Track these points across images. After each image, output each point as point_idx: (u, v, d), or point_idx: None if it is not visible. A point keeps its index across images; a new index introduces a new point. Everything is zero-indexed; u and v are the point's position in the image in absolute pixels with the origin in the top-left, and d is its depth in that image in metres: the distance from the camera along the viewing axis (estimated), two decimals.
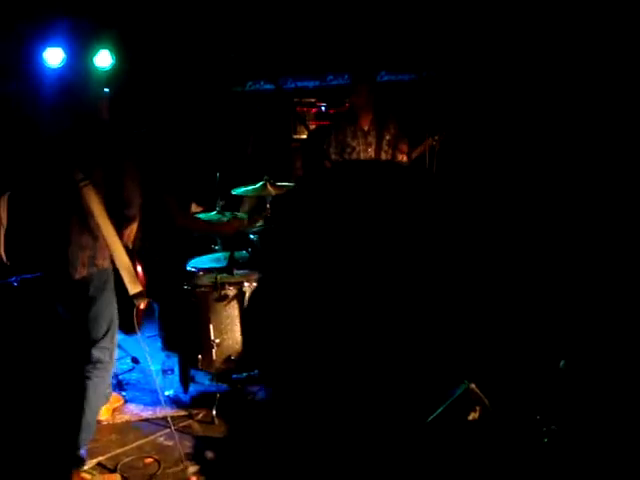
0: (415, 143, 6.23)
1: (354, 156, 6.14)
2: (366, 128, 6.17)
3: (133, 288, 4.14)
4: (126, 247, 4.21)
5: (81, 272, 4.08)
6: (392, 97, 6.86)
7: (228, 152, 7.84)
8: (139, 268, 4.26)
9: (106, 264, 4.15)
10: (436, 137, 6.01)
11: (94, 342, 4.17)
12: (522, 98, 6.51)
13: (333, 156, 6.14)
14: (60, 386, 4.75)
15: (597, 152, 5.92)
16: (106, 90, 4.50)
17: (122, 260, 4.12)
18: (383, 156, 6.13)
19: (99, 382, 4.19)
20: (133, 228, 4.33)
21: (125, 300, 4.20)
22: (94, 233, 4.09)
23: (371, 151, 6.13)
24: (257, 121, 8.34)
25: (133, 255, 4.23)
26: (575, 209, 5.87)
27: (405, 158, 6.14)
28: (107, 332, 4.20)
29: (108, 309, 4.20)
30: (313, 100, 8.25)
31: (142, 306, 4.24)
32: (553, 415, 3.77)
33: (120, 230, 4.19)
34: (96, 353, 4.17)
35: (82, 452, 4.12)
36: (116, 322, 4.25)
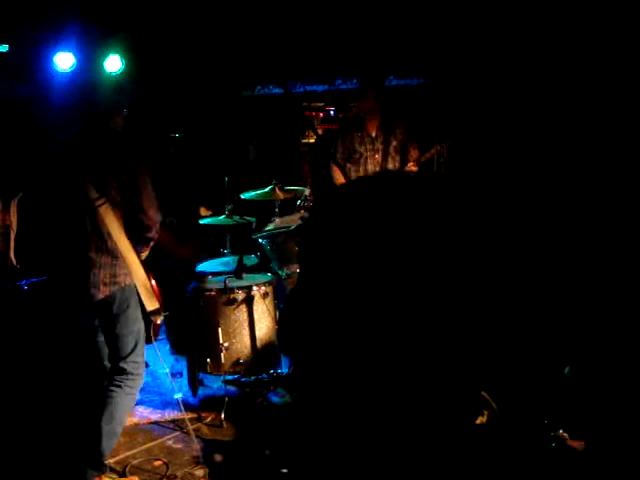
0: (423, 149, 6.22)
1: (361, 162, 6.15)
2: (373, 134, 6.16)
3: (150, 305, 4.12)
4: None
5: (104, 292, 4.00)
6: (400, 102, 6.87)
7: (235, 156, 7.86)
8: (153, 282, 4.19)
9: (128, 280, 4.06)
10: (443, 144, 6.00)
11: (124, 357, 4.13)
12: (530, 103, 6.51)
13: (340, 161, 6.16)
14: (76, 391, 4.77)
15: (607, 156, 5.92)
16: (125, 110, 4.39)
17: (139, 276, 4.08)
18: (390, 162, 6.12)
19: (129, 392, 4.17)
20: (151, 245, 4.27)
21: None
22: (113, 252, 4.01)
23: (378, 157, 6.13)
24: (260, 125, 8.35)
25: (147, 269, 4.18)
26: (581, 215, 5.87)
27: (415, 167, 6.12)
28: (135, 346, 4.15)
29: (134, 324, 4.13)
30: (321, 104, 8.28)
31: (158, 321, 4.22)
32: (559, 420, 3.78)
33: (139, 248, 4.14)
34: (126, 366, 4.14)
35: (106, 460, 4.11)
36: (143, 335, 4.18)
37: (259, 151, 8.21)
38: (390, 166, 6.11)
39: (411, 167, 6.11)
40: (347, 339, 0.99)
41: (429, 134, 6.14)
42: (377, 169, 6.09)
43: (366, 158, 6.13)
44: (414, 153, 6.15)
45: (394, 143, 6.13)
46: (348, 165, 6.15)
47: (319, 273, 1.02)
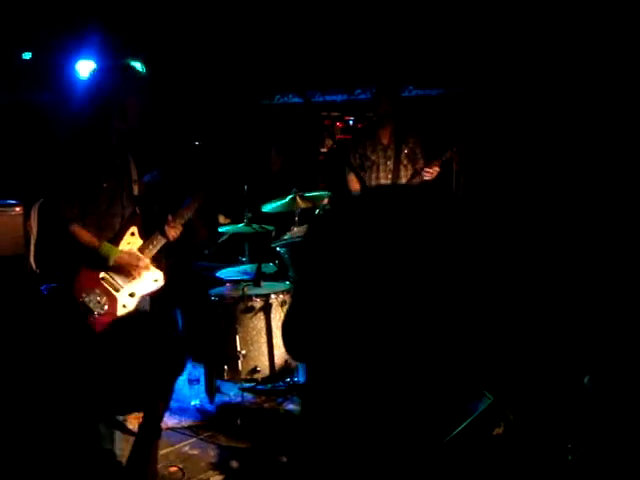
0: (432, 158, 6.20)
1: (374, 169, 6.18)
2: (385, 142, 6.21)
3: None
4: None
5: None
6: (417, 112, 6.89)
7: (255, 165, 7.88)
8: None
9: None
10: (454, 149, 5.95)
11: None
12: (550, 115, 6.50)
13: (356, 168, 6.18)
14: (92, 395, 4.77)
15: (625, 167, 5.91)
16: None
17: None
18: (402, 170, 6.14)
19: None
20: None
21: None
22: None
23: (390, 164, 6.16)
24: (279, 135, 8.36)
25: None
26: (603, 223, 5.85)
27: (417, 178, 6.10)
28: None
29: None
30: (339, 114, 8.28)
31: None
32: (577, 433, 3.76)
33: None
34: None
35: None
36: None
37: (280, 161, 8.20)
38: (402, 174, 6.14)
39: (417, 178, 6.09)
40: (354, 341, 1.00)
41: (444, 144, 6.14)
42: (389, 176, 6.14)
43: (378, 166, 6.18)
44: (420, 163, 6.15)
45: (406, 151, 6.15)
46: (362, 173, 6.18)
47: (322, 280, 1.03)
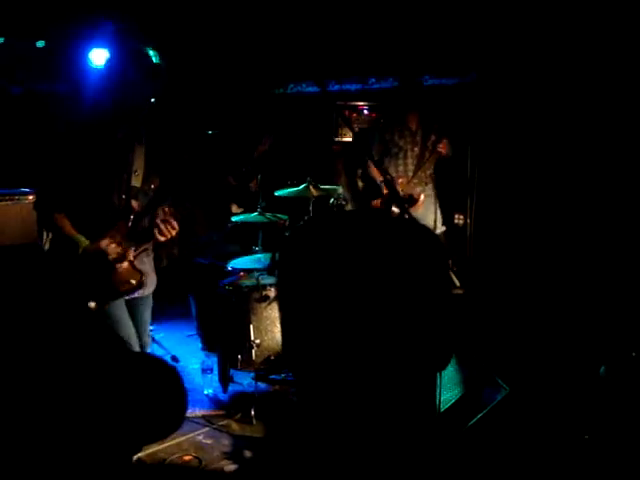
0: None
1: (400, 156, 6.19)
2: (413, 127, 6.22)
3: None
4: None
5: None
6: (433, 101, 6.86)
7: (269, 154, 7.85)
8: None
9: None
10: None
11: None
12: (566, 105, 6.45)
13: (377, 156, 6.17)
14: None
15: None
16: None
17: None
18: (427, 156, 6.12)
19: None
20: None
21: None
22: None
23: (417, 150, 6.18)
24: (292, 123, 8.32)
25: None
26: (618, 218, 5.81)
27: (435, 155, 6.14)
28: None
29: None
30: (355, 103, 8.25)
31: None
32: (593, 423, 3.74)
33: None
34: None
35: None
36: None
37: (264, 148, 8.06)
38: (427, 160, 6.12)
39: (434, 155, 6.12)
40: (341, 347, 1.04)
41: (460, 135, 6.13)
42: (415, 162, 6.14)
43: (405, 152, 6.19)
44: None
45: (433, 138, 6.15)
46: (386, 160, 6.17)
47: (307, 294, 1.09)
